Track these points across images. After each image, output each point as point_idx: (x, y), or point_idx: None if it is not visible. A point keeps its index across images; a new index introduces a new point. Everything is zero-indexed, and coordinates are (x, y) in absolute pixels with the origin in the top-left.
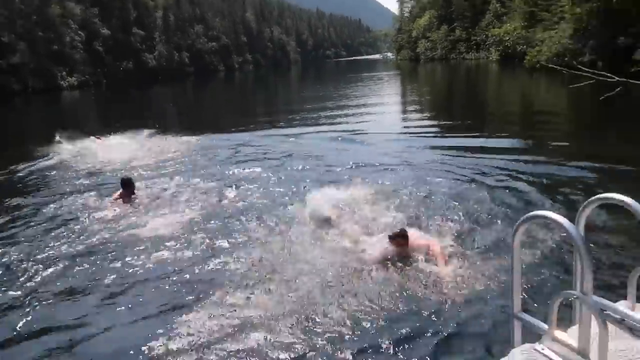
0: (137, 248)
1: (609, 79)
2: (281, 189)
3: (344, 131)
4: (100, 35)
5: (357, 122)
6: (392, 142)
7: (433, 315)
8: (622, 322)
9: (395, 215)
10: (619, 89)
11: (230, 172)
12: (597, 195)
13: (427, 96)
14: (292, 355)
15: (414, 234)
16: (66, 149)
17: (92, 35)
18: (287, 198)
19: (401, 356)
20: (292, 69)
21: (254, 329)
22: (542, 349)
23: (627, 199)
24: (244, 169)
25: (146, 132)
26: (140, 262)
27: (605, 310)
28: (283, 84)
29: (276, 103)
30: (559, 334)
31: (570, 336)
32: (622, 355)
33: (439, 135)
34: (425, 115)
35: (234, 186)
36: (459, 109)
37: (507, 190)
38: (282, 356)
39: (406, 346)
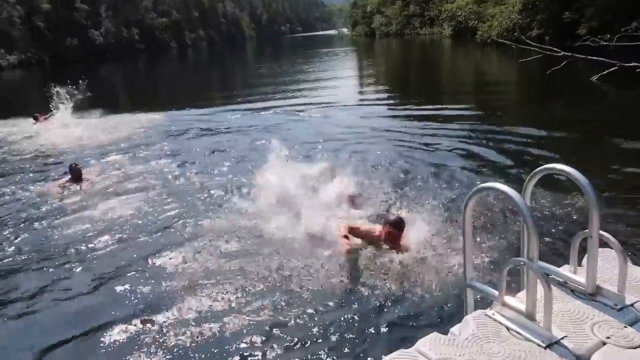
0: (87, 232)
1: (555, 53)
2: (239, 167)
3: (302, 105)
4: (41, 11)
5: (315, 97)
6: (349, 115)
7: (390, 292)
8: (565, 285)
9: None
10: (564, 62)
11: (186, 150)
12: (542, 167)
13: (384, 71)
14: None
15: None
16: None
17: (32, 11)
18: (245, 178)
19: (357, 336)
20: (247, 45)
21: (211, 316)
22: (493, 314)
23: (568, 168)
24: (201, 147)
25: (96, 111)
26: (90, 247)
27: (550, 275)
28: (239, 60)
29: (233, 79)
30: (508, 299)
31: (518, 301)
32: (565, 315)
33: (395, 108)
34: (382, 89)
35: (190, 165)
36: (414, 83)
37: (460, 162)
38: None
39: (362, 326)
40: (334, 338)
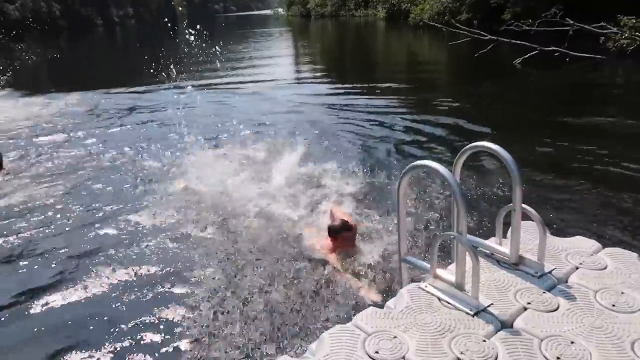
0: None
1: (482, 37)
2: (168, 151)
3: (236, 85)
4: None
5: (249, 77)
6: (283, 96)
7: (329, 272)
8: (491, 256)
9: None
10: (490, 46)
11: (115, 133)
12: (469, 145)
13: (320, 51)
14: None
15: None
16: None
17: None
18: (171, 166)
19: (297, 315)
20: (179, 24)
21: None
22: (426, 287)
23: (494, 146)
24: (128, 129)
25: (10, 92)
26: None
27: (478, 247)
28: (171, 39)
29: (165, 59)
30: (440, 272)
31: (449, 273)
32: (492, 284)
33: (331, 88)
34: (319, 69)
35: (118, 149)
36: (350, 63)
37: (392, 140)
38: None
39: (302, 305)
40: (275, 317)
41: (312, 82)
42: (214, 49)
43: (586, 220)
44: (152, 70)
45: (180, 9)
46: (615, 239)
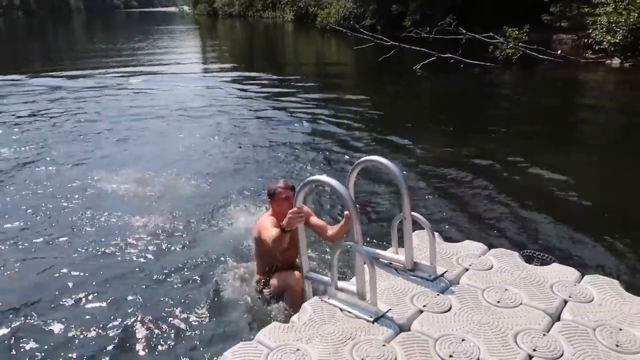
0: None
1: (384, 42)
2: (63, 150)
3: (138, 80)
4: None
5: (152, 75)
6: (190, 95)
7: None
8: (390, 265)
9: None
10: (392, 51)
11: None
12: (360, 159)
13: (229, 50)
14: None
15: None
16: None
17: None
18: (74, 166)
19: (198, 334)
20: (74, 17)
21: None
22: (328, 299)
23: (382, 159)
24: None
25: None
26: None
27: (377, 258)
28: (65, 33)
29: (57, 55)
30: (341, 284)
31: (350, 284)
32: (390, 290)
33: (237, 86)
34: (227, 68)
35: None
36: (258, 63)
37: (286, 150)
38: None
39: (202, 325)
40: (172, 337)
41: (220, 84)
42: (114, 45)
43: (473, 224)
44: (43, 66)
45: (75, 2)
46: (500, 240)
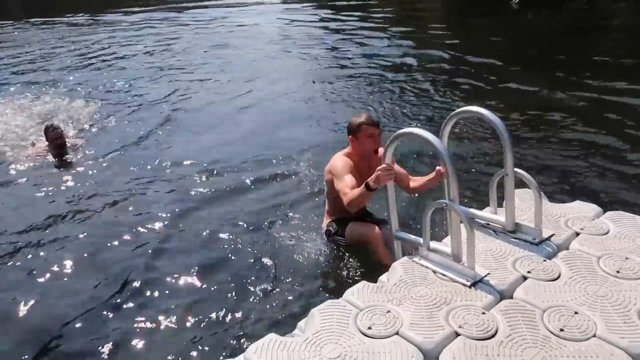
0: None
1: None
2: None
3: None
4: None
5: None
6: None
7: (319, 248)
8: (487, 226)
9: None
10: None
11: None
12: (457, 110)
13: None
14: None
15: None
16: None
17: None
18: None
19: (285, 291)
20: None
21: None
22: (419, 260)
23: (482, 110)
24: None
25: None
26: None
27: (473, 218)
28: None
29: None
30: (434, 244)
31: (444, 245)
32: (488, 253)
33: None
34: None
35: None
36: None
37: (371, 98)
38: None
39: (289, 281)
40: (258, 291)
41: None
42: None
43: (585, 183)
44: None
45: None
46: (617, 202)
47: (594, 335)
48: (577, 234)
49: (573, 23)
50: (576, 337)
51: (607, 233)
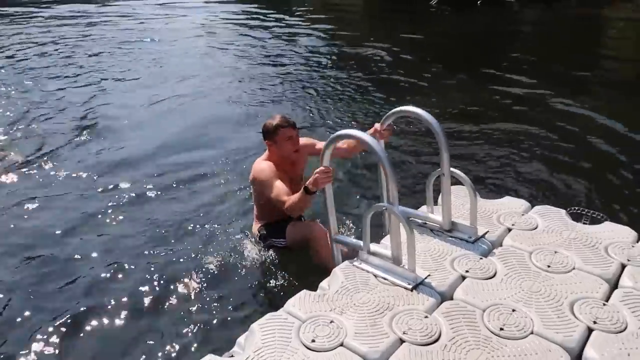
0: None
1: None
2: None
3: None
4: None
5: None
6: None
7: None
8: (424, 226)
9: None
10: None
11: None
12: (392, 110)
13: None
14: None
15: None
16: None
17: None
18: None
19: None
20: None
21: None
22: (360, 264)
23: (418, 110)
24: None
25: None
26: None
27: (410, 217)
28: None
29: None
30: (374, 247)
31: (383, 247)
32: (427, 254)
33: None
34: None
35: None
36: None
37: (296, 104)
38: None
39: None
40: (194, 310)
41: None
42: None
43: (513, 178)
44: None
45: None
46: (543, 195)
47: (532, 332)
48: (509, 230)
49: (493, 22)
50: (515, 336)
51: (536, 228)
